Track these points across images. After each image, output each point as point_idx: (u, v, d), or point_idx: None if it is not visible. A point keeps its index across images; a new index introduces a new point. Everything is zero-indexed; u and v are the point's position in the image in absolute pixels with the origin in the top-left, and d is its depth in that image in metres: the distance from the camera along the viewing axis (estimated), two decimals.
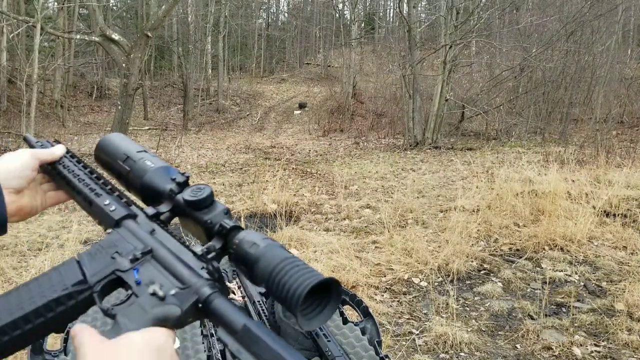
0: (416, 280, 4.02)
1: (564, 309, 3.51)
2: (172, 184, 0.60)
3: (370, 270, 4.14)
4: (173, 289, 0.50)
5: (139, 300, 0.50)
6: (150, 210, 0.59)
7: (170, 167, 0.64)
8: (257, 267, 0.49)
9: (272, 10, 37.70)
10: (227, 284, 1.45)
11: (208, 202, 0.57)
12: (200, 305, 0.49)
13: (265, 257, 0.49)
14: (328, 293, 0.48)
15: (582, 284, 3.93)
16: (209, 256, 0.52)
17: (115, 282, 0.53)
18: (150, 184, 0.61)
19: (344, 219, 5.95)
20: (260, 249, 0.50)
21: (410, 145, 12.97)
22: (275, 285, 0.48)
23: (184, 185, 0.59)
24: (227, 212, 0.57)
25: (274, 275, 0.48)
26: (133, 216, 0.59)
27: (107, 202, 0.62)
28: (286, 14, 37.52)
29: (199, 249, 0.53)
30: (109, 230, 0.59)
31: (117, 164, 0.65)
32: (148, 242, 0.55)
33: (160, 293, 0.50)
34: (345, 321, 1.30)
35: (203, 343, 1.28)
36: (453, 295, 3.60)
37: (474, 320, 3.40)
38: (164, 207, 0.59)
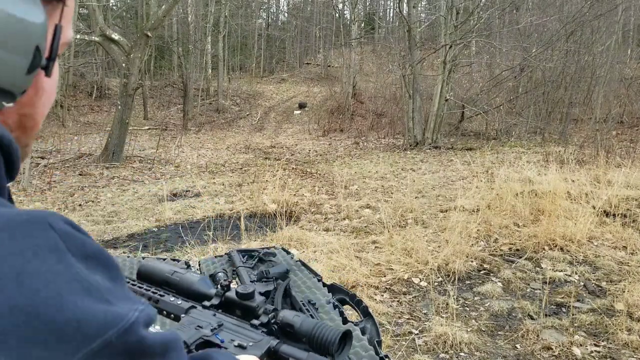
0: (416, 280, 4.02)
1: (563, 309, 3.51)
2: (217, 288, 0.90)
3: (370, 270, 4.14)
4: (250, 343, 0.79)
5: (228, 350, 0.78)
6: (207, 303, 0.88)
7: (206, 277, 0.94)
8: (301, 329, 0.79)
9: (272, 10, 37.72)
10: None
11: (253, 294, 0.86)
12: (272, 349, 0.79)
13: (305, 322, 0.79)
14: (345, 337, 0.78)
15: (582, 284, 3.93)
16: (272, 322, 0.83)
17: (203, 343, 0.79)
18: (200, 289, 0.91)
19: (344, 219, 5.95)
20: (300, 318, 0.80)
21: (410, 145, 12.97)
22: (315, 339, 0.77)
23: (228, 286, 0.89)
24: (265, 300, 0.87)
25: (313, 333, 0.78)
26: (194, 307, 0.87)
27: (172, 299, 0.89)
28: (286, 14, 37.53)
29: (256, 322, 0.83)
30: (183, 316, 0.86)
31: (167, 276, 0.93)
32: (216, 319, 0.84)
33: (244, 344, 0.78)
34: (345, 321, 1.30)
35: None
36: (453, 295, 3.59)
37: (473, 320, 3.40)
38: (215, 301, 0.88)
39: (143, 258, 1.72)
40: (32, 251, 0.33)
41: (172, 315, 0.88)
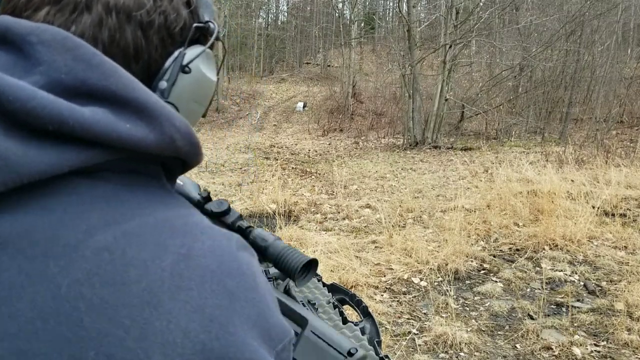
0: (416, 280, 4.01)
1: (563, 309, 3.51)
2: (199, 197, 0.88)
3: (370, 270, 4.14)
4: None
5: None
6: None
7: (196, 183, 0.91)
8: (268, 251, 0.79)
9: (271, 10, 37.72)
10: None
11: (229, 211, 0.85)
12: None
13: (272, 245, 0.79)
14: (310, 266, 0.77)
15: (582, 283, 3.93)
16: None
17: None
18: (187, 191, 0.90)
19: (344, 218, 5.95)
20: (269, 242, 0.80)
21: (410, 145, 12.97)
22: (281, 262, 0.77)
23: (207, 199, 0.86)
24: (241, 216, 0.87)
25: (280, 257, 0.77)
26: None
27: None
28: (286, 14, 37.53)
29: None
30: None
31: None
32: None
33: None
34: (344, 321, 1.30)
35: None
36: (453, 295, 3.59)
37: (473, 320, 3.39)
38: None
39: None
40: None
41: None
